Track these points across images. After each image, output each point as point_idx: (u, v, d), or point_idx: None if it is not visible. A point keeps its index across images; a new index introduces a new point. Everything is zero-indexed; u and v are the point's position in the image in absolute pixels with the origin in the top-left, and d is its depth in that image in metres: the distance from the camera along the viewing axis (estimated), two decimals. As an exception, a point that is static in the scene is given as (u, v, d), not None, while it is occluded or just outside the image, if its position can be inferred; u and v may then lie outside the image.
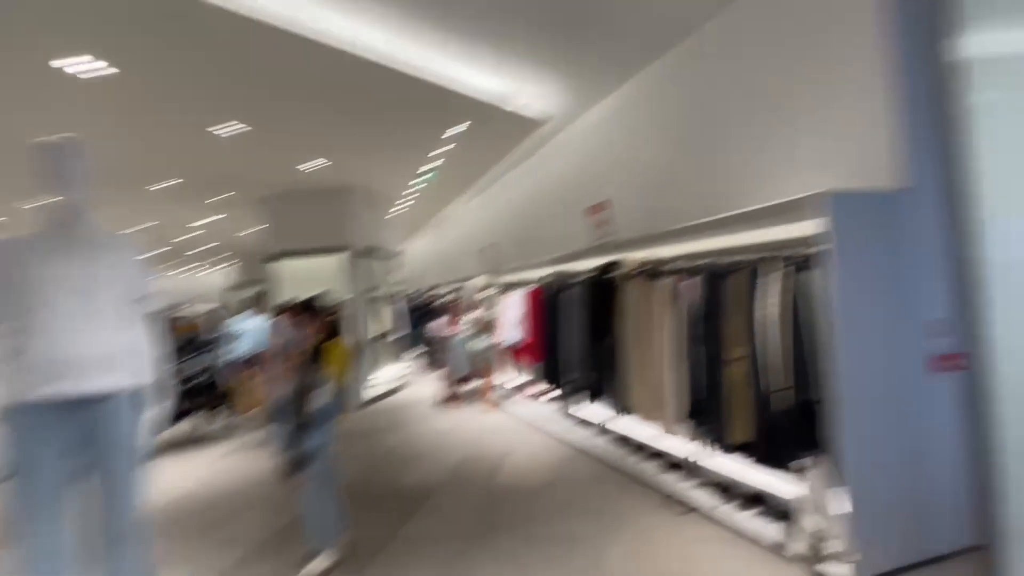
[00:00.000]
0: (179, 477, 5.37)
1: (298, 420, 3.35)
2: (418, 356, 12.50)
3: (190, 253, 16.17)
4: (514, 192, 8.82)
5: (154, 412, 2.36)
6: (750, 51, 3.84)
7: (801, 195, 2.85)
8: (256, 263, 14.01)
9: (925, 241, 2.88)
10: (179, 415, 6.44)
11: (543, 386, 6.51)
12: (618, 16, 4.17)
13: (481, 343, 7.57)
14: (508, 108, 5.68)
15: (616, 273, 4.73)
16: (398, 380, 10.01)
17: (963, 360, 2.86)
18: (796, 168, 3.55)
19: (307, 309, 3.72)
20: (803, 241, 3.02)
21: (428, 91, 5.07)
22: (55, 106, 5.04)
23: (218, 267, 20.87)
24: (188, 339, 7.04)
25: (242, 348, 6.88)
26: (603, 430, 5.46)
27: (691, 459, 4.08)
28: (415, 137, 6.66)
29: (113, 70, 4.38)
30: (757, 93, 3.80)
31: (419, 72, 4.77)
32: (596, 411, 5.78)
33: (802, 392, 2.85)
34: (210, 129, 5.78)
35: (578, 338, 5.44)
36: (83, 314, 2.16)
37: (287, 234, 8.98)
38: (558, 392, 6.36)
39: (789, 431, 2.90)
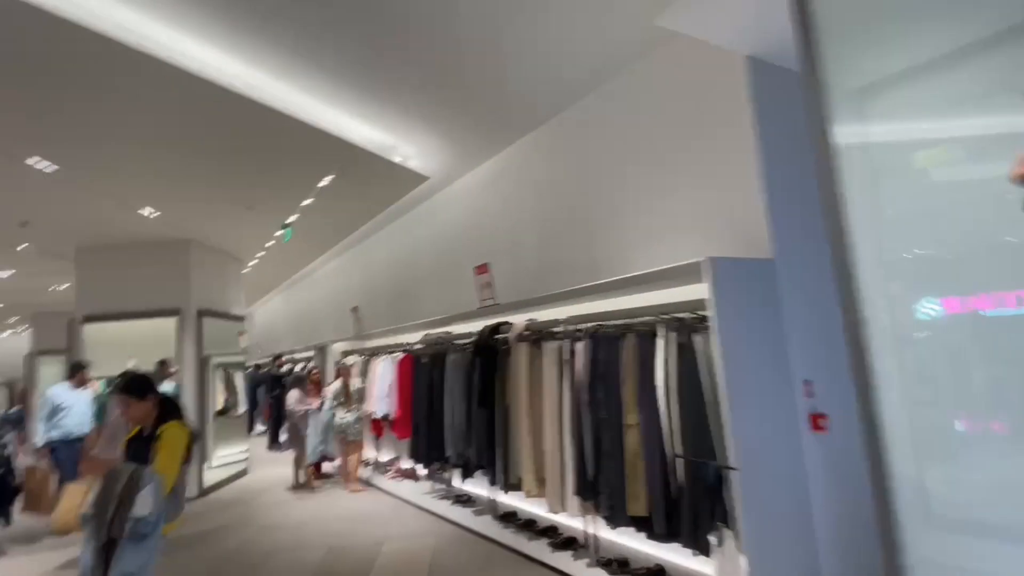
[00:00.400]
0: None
1: (111, 533, 2.58)
2: (270, 432, 11.11)
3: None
4: (384, 253, 8.43)
5: None
6: (630, 123, 4.02)
7: (684, 261, 2.91)
8: (67, 326, 11.77)
9: (794, 307, 3.07)
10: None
11: (416, 462, 5.99)
12: (499, 83, 4.19)
13: (346, 416, 6.85)
14: (393, 158, 5.38)
15: (501, 337, 4.55)
16: (244, 461, 8.72)
17: (827, 420, 3.03)
18: (672, 236, 3.69)
19: (132, 387, 2.98)
20: (688, 305, 3.08)
21: (297, 131, 4.54)
22: None
23: (17, 330, 17.19)
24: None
25: (52, 432, 5.49)
26: (488, 506, 5.08)
27: (586, 534, 3.87)
28: (277, 184, 6.03)
29: None
30: (636, 163, 3.96)
31: (288, 109, 4.27)
32: (478, 486, 5.41)
33: (700, 459, 2.81)
34: (28, 162, 4.69)
35: (456, 408, 5.10)
36: None
37: (106, 293, 7.63)
38: (433, 468, 5.90)
39: (688, 502, 2.82)
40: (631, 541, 3.69)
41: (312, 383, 7.64)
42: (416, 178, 5.99)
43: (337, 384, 7.02)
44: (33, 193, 5.59)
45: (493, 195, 5.71)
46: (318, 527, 5.45)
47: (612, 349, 3.43)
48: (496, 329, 4.69)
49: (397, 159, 5.49)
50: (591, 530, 3.82)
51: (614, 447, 3.28)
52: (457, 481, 5.54)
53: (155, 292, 7.66)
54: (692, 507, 2.79)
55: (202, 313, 7.89)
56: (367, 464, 7.61)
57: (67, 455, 5.32)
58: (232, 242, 8.51)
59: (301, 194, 6.22)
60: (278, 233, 7.66)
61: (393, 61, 3.86)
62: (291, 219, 7.06)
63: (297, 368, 11.25)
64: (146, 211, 6.43)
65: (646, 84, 3.89)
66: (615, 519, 3.29)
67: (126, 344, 7.35)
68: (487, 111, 4.65)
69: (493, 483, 4.56)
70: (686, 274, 2.92)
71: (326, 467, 7.77)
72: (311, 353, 10.73)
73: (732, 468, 2.56)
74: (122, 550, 2.54)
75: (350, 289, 9.64)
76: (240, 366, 9.17)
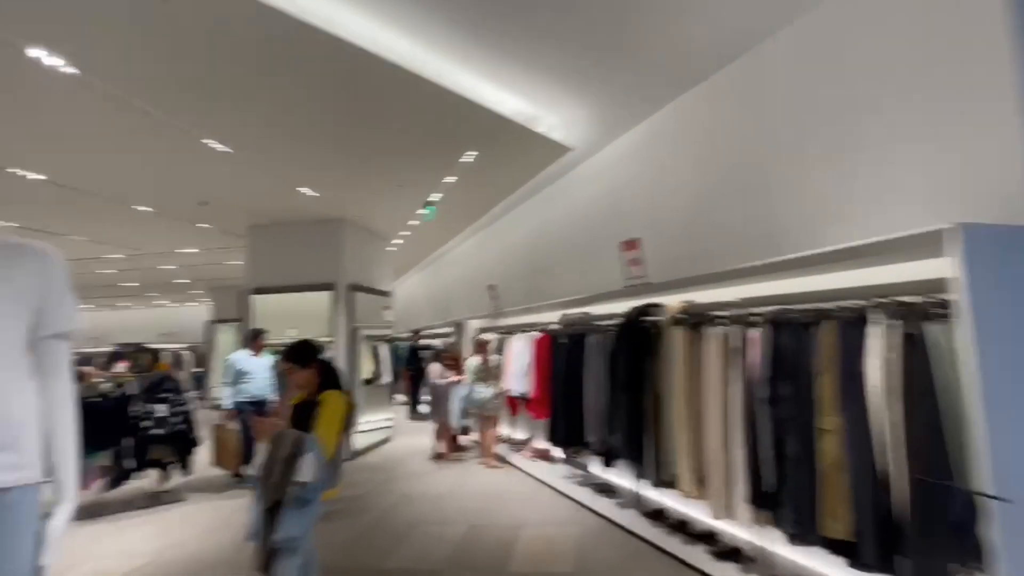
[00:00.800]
0: (123, 550, 4.50)
1: (276, 496, 2.63)
2: (411, 403, 11.68)
3: (176, 282, 15.27)
4: (521, 231, 8.30)
5: (63, 514, 1.57)
6: (827, 65, 3.34)
7: (920, 229, 2.29)
8: (238, 297, 13.24)
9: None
10: (141, 467, 5.58)
11: (554, 444, 5.80)
12: (660, 31, 3.71)
13: (485, 392, 6.85)
14: (536, 129, 5.13)
15: (654, 319, 4.14)
16: (388, 429, 9.18)
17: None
18: (879, 201, 3.02)
19: (297, 354, 3.05)
20: (909, 286, 2.47)
21: (444, 100, 4.41)
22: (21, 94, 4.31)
23: (198, 300, 19.93)
24: (160, 379, 6.17)
25: (237, 396, 6.13)
26: (632, 499, 4.75)
27: (755, 547, 3.39)
28: (423, 161, 6.04)
29: (73, 70, 3.74)
30: (831, 116, 3.30)
31: (435, 78, 4.15)
32: (618, 475, 5.09)
33: (947, 482, 2.21)
34: (205, 141, 5.10)
35: (600, 392, 4.79)
36: None
37: (272, 267, 8.36)
38: (570, 451, 5.68)
39: (917, 531, 2.25)
40: (813, 561, 3.16)
41: (450, 358, 7.78)
42: (558, 149, 5.70)
43: (476, 359, 7.04)
44: (210, 174, 6.13)
45: (641, 164, 5.24)
46: (458, 502, 5.48)
47: (801, 338, 2.88)
48: (645, 311, 4.28)
49: (540, 129, 5.23)
50: (764, 544, 3.33)
51: (803, 454, 2.77)
52: (595, 468, 5.26)
53: (312, 267, 8.24)
54: (923, 537, 2.22)
55: (352, 288, 8.35)
56: (502, 441, 7.61)
57: (251, 417, 5.87)
58: (379, 221, 8.89)
59: (444, 170, 6.21)
60: (421, 211, 7.82)
61: (533, 25, 3.56)
62: (434, 197, 7.14)
63: (435, 343, 11.65)
64: (305, 191, 6.84)
65: (851, 16, 3.20)
66: (802, 537, 2.79)
67: (285, 315, 8.00)
68: (642, 66, 4.18)
69: (641, 476, 4.20)
70: (916, 246, 2.31)
71: (462, 440, 7.91)
72: (448, 329, 11.03)
73: (1002, 499, 1.95)
74: (285, 514, 2.57)
75: (486, 268, 9.69)
76: (385, 339, 9.63)
